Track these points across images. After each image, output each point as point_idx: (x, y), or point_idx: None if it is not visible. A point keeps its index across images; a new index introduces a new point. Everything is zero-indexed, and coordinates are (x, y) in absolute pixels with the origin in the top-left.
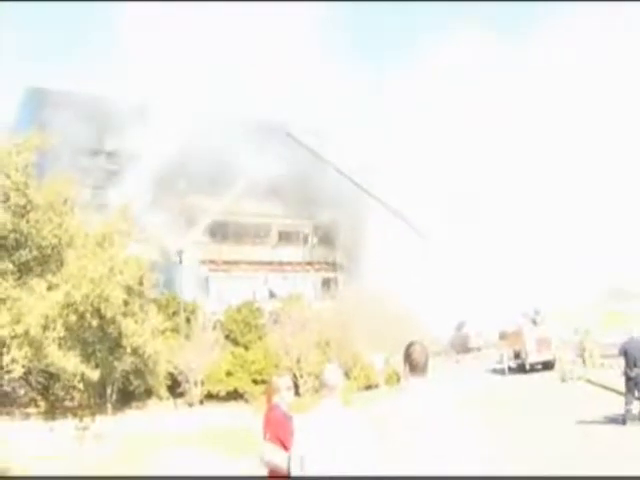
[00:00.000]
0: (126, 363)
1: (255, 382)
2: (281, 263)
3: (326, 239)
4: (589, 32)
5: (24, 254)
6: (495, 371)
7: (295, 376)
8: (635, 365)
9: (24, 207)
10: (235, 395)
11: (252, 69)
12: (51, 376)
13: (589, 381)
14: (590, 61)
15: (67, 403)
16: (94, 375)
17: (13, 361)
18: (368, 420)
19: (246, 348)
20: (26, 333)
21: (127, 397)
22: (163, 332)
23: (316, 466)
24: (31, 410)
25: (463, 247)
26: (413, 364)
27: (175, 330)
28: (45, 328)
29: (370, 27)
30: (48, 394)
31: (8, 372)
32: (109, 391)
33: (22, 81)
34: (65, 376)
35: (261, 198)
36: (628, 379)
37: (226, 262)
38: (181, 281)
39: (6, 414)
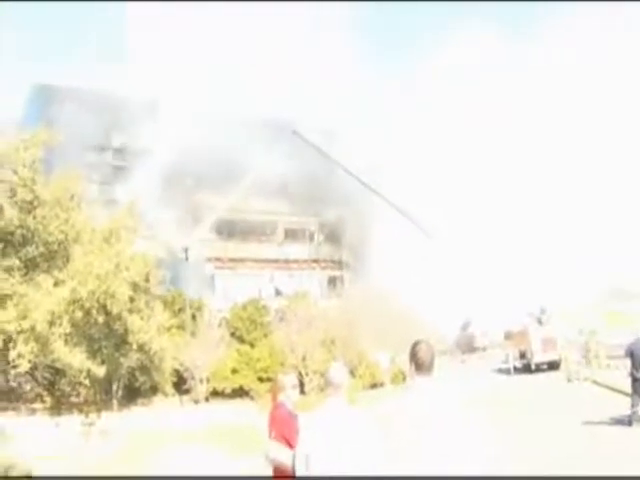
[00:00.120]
0: (132, 360)
1: (260, 380)
2: (287, 261)
3: (332, 237)
4: (589, 32)
5: (31, 250)
6: (501, 371)
7: (300, 374)
8: None
9: (31, 203)
10: (240, 392)
11: (254, 68)
12: (57, 372)
13: (595, 382)
14: (590, 61)
15: (73, 399)
16: (100, 371)
17: (19, 356)
18: (373, 419)
19: (252, 346)
20: (32, 329)
21: (133, 393)
22: (169, 329)
23: (321, 465)
24: (37, 406)
25: (468, 247)
26: (419, 363)
27: (181, 327)
28: (51, 324)
29: (370, 27)
30: (54, 390)
31: (14, 367)
32: (115, 387)
33: (22, 81)
34: (71, 372)
35: (267, 196)
36: (634, 380)
37: (232, 259)
38: (187, 278)
39: (12, 409)
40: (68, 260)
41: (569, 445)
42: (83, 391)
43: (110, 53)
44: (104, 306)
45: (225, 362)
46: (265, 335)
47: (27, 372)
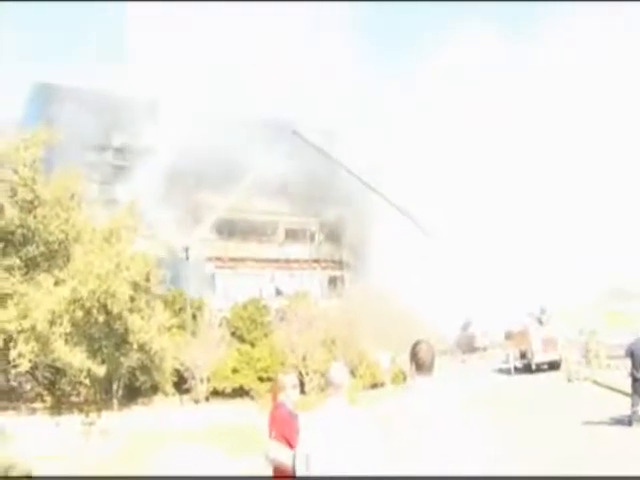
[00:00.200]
0: (132, 359)
1: (261, 379)
2: (288, 261)
3: (333, 237)
4: (589, 32)
5: (31, 249)
6: (501, 371)
7: (301, 374)
8: None
9: (31, 202)
10: (241, 392)
11: (254, 68)
12: (57, 371)
13: (595, 382)
14: (590, 61)
15: (73, 398)
16: (100, 371)
17: (20, 356)
18: (374, 419)
19: (252, 345)
20: (33, 328)
21: (133, 393)
22: (169, 329)
23: (321, 465)
24: (37, 405)
25: (468, 247)
26: (419, 363)
27: (181, 327)
28: (52, 323)
29: (370, 27)
30: (54, 389)
31: (15, 366)
32: (115, 387)
33: (22, 81)
34: (71, 371)
35: (268, 196)
36: (634, 380)
37: (233, 259)
38: (188, 278)
39: (12, 409)
40: (68, 259)
41: (569, 445)
42: (83, 390)
43: (110, 53)
44: (104, 305)
45: (225, 362)
46: (265, 335)
47: (27, 371)
